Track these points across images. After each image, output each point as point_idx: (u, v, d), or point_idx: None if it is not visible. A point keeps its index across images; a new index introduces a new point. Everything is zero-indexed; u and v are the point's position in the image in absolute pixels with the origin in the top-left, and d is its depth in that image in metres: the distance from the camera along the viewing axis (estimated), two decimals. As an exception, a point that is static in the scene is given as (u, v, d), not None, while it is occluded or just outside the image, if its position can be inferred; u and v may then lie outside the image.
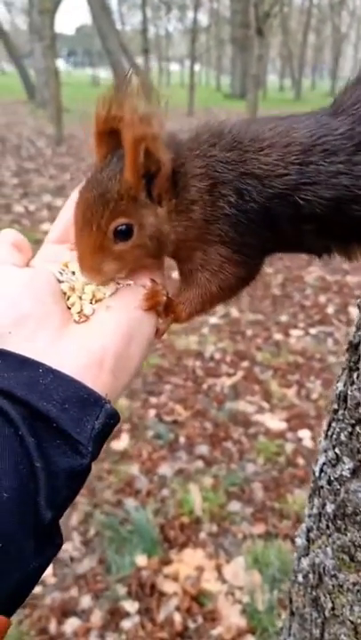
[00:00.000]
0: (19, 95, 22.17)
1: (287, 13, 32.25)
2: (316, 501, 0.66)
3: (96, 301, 0.58)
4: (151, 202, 0.58)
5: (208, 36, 42.33)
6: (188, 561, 2.16)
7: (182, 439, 2.86)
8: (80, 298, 0.57)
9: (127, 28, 44.30)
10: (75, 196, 0.60)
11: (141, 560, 2.13)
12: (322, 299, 4.65)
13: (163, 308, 0.60)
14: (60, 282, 0.58)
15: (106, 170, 0.56)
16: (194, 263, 0.62)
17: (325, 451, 0.65)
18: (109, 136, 0.57)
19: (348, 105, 0.58)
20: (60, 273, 0.59)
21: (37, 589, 2.03)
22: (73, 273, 0.60)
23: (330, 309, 4.43)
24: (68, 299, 0.57)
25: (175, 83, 45.31)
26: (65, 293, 0.57)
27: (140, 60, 18.42)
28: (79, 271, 0.59)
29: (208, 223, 0.59)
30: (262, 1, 9.46)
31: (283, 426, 2.99)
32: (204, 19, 41.89)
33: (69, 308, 0.57)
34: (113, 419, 0.51)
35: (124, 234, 0.57)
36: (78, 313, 0.56)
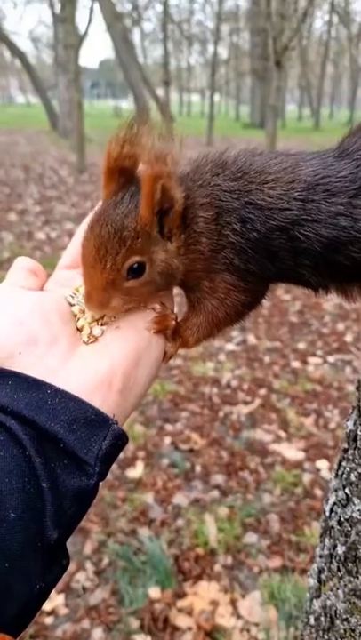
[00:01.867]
0: (43, 125, 22.94)
1: (306, 46, 32.88)
2: (328, 542, 0.65)
3: (105, 323, 0.59)
4: (162, 238, 0.59)
5: (228, 69, 43.33)
6: (203, 594, 2.11)
7: (198, 468, 2.83)
8: (89, 320, 0.58)
9: (149, 62, 45.55)
10: (85, 225, 0.62)
11: (155, 592, 2.09)
12: (340, 326, 4.61)
13: (171, 333, 0.62)
14: (71, 305, 0.60)
15: (120, 206, 0.57)
16: (201, 291, 0.64)
17: (336, 490, 0.64)
18: (119, 173, 0.59)
19: (354, 149, 0.60)
20: (72, 296, 0.60)
21: (48, 620, 2.01)
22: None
23: (348, 337, 4.38)
24: (78, 320, 0.58)
25: (196, 113, 46.35)
26: (75, 315, 0.59)
27: (161, 92, 18.87)
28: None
29: (215, 252, 0.61)
30: (281, 34, 9.67)
31: (300, 456, 2.94)
32: (224, 52, 42.97)
33: (79, 330, 0.58)
34: (121, 439, 0.51)
35: (136, 271, 0.58)
36: (88, 334, 0.57)
